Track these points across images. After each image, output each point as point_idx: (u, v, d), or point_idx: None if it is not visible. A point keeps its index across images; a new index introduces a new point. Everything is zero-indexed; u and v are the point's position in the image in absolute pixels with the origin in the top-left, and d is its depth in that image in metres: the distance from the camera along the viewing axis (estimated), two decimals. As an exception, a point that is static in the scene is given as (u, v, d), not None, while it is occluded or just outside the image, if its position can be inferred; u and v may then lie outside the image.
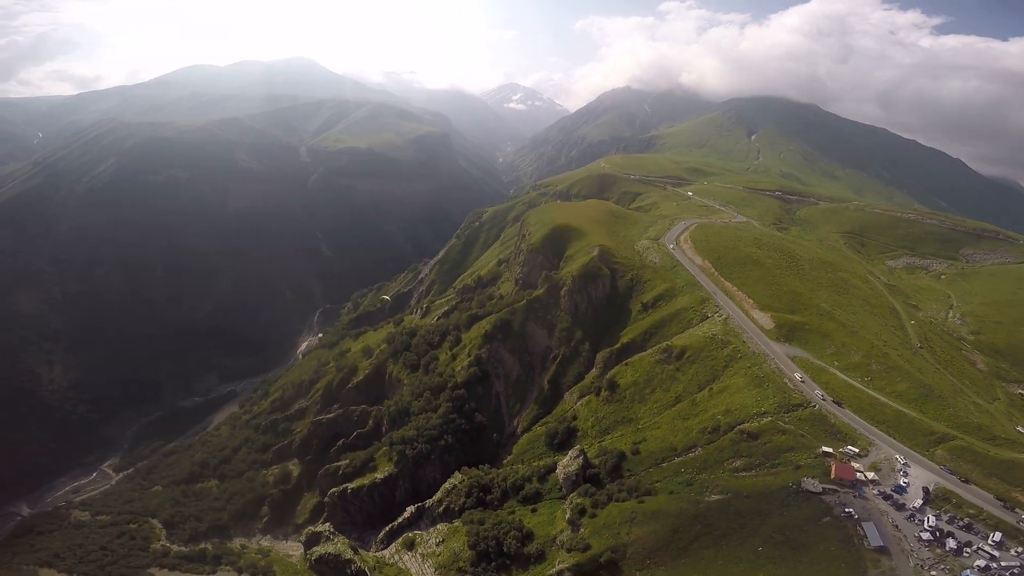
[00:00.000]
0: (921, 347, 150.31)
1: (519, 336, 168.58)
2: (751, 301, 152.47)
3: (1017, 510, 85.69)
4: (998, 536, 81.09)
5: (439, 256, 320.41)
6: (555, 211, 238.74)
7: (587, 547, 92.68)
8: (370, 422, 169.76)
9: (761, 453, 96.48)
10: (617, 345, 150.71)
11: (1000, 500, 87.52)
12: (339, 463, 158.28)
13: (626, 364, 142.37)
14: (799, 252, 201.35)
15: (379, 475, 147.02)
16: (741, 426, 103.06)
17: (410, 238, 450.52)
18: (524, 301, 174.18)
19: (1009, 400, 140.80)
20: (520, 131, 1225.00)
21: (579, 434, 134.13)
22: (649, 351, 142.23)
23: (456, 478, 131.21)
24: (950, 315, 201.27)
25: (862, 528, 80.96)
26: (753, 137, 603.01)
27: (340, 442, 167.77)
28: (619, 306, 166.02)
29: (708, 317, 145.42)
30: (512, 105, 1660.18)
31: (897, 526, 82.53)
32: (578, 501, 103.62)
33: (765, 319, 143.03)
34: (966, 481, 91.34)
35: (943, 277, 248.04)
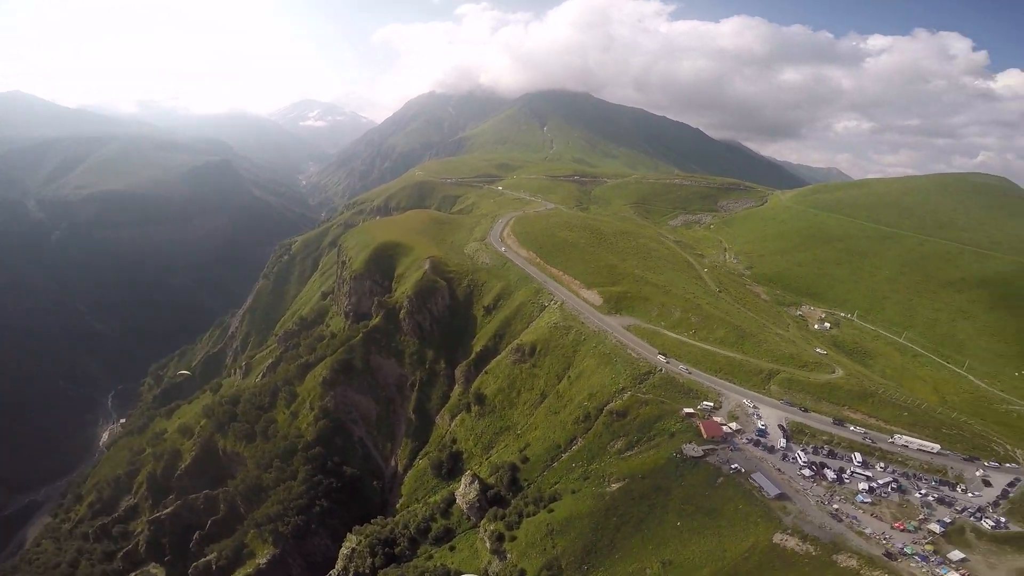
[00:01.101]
0: (720, 291, 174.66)
1: (365, 373, 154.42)
2: (578, 282, 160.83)
3: (847, 424, 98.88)
4: (859, 457, 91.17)
5: (248, 303, 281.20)
6: (376, 229, 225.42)
7: (522, 572, 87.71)
8: (222, 507, 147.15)
9: (635, 429, 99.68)
10: (472, 356, 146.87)
11: (836, 421, 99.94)
12: (207, 558, 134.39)
13: (486, 373, 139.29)
14: (603, 228, 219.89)
15: (260, 560, 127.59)
16: (608, 407, 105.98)
17: (208, 287, 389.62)
18: (360, 335, 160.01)
19: (796, 324, 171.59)
20: (323, 149, 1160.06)
21: (464, 456, 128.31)
22: (503, 354, 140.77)
23: (351, 540, 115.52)
24: (727, 257, 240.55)
25: (754, 480, 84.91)
26: (545, 128, 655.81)
27: (196, 535, 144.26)
28: (463, 315, 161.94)
29: (546, 307, 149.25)
30: (310, 123, 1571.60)
31: (780, 469, 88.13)
32: (492, 528, 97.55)
33: (593, 296, 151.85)
34: (806, 410, 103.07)
35: (712, 227, 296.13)
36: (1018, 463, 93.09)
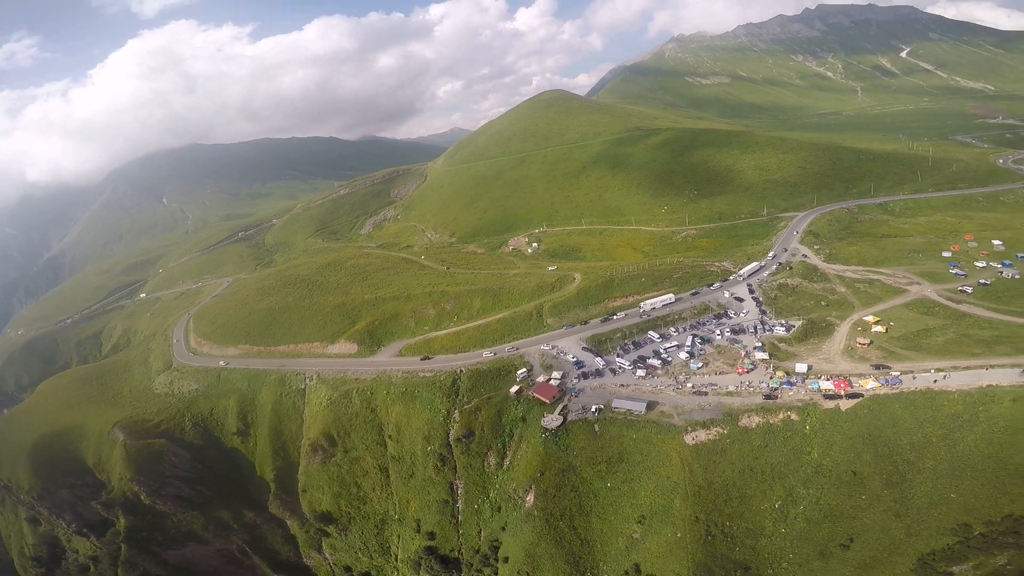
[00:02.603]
0: (448, 268, 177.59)
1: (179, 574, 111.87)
2: (317, 343, 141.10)
3: (615, 315, 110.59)
4: (654, 334, 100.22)
5: None
6: (12, 431, 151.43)
7: None
8: None
9: (491, 437, 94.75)
10: (271, 487, 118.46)
11: (606, 318, 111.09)
12: None
13: (304, 492, 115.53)
14: (303, 272, 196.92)
15: None
16: (451, 438, 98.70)
17: None
18: (123, 547, 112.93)
19: (517, 257, 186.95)
20: None
21: (373, 574, 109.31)
22: (304, 463, 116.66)
23: None
24: (430, 236, 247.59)
25: (618, 407, 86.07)
26: (166, 200, 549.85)
27: None
28: (219, 456, 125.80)
29: (305, 387, 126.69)
30: None
31: (623, 384, 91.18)
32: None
33: (346, 346, 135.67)
34: (585, 323, 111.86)
35: (399, 217, 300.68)
36: (732, 270, 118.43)
